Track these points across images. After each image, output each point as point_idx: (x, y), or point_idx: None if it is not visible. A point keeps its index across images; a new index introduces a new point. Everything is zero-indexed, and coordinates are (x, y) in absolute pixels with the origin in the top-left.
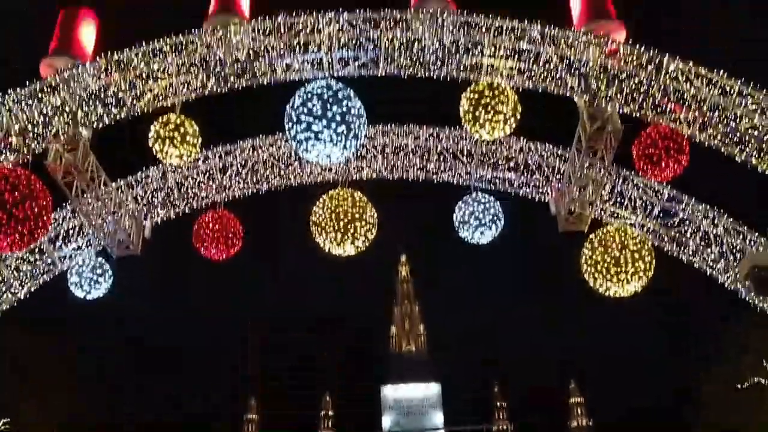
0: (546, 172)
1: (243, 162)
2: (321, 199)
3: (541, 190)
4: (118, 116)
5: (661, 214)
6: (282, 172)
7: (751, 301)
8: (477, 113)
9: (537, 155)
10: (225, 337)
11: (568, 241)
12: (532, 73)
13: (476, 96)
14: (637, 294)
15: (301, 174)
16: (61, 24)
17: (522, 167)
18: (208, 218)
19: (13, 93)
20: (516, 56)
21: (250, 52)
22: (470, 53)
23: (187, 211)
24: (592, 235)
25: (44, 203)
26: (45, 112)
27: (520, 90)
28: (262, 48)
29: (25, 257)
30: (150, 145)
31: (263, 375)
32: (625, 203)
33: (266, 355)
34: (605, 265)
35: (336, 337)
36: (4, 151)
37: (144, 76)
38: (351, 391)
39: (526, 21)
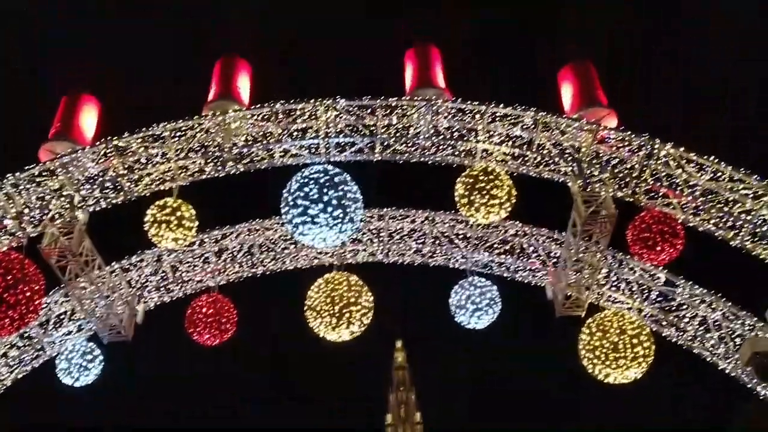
0: (542, 256)
1: (239, 246)
2: (316, 283)
3: (537, 274)
4: (115, 200)
5: (658, 299)
6: (277, 256)
7: (752, 387)
8: (472, 197)
9: (532, 239)
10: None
11: (564, 326)
12: (526, 159)
13: (471, 180)
14: (637, 380)
15: (297, 258)
16: (63, 109)
17: (518, 251)
18: (202, 302)
19: (12, 177)
20: (510, 142)
21: (249, 137)
22: (465, 139)
23: (181, 296)
24: (589, 320)
25: (36, 288)
26: (42, 195)
27: (515, 174)
28: (260, 134)
29: (13, 342)
30: (146, 228)
31: None
32: (622, 287)
33: None
34: (604, 350)
35: (330, 425)
36: None
37: (142, 160)
38: None
39: (519, 108)
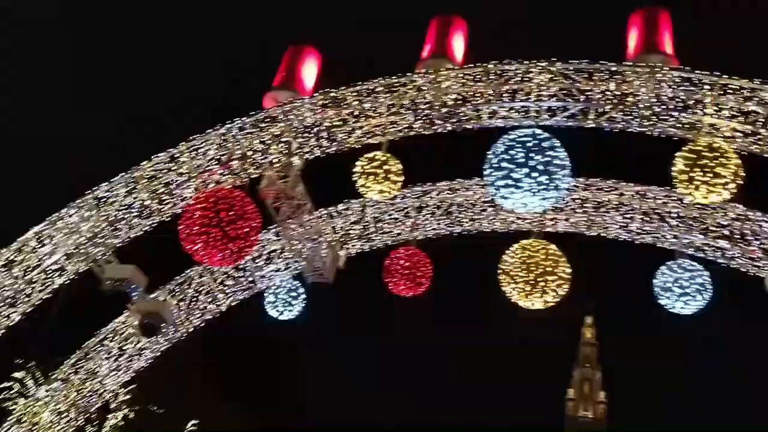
0: (765, 245)
1: (438, 203)
2: (512, 248)
3: (757, 264)
4: (328, 150)
5: None
6: (475, 217)
7: None
8: (692, 174)
9: (755, 225)
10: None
11: None
12: (759, 137)
13: (694, 155)
14: None
15: (495, 220)
16: (287, 60)
17: (737, 237)
18: (400, 255)
19: (239, 121)
20: (742, 117)
21: (459, 96)
22: (690, 110)
23: (381, 246)
24: None
25: (254, 224)
26: (264, 140)
27: (743, 153)
28: (470, 93)
29: (229, 273)
30: (354, 179)
31: None
32: None
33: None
34: None
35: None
36: (225, 174)
37: (356, 113)
38: None
39: (756, 81)
